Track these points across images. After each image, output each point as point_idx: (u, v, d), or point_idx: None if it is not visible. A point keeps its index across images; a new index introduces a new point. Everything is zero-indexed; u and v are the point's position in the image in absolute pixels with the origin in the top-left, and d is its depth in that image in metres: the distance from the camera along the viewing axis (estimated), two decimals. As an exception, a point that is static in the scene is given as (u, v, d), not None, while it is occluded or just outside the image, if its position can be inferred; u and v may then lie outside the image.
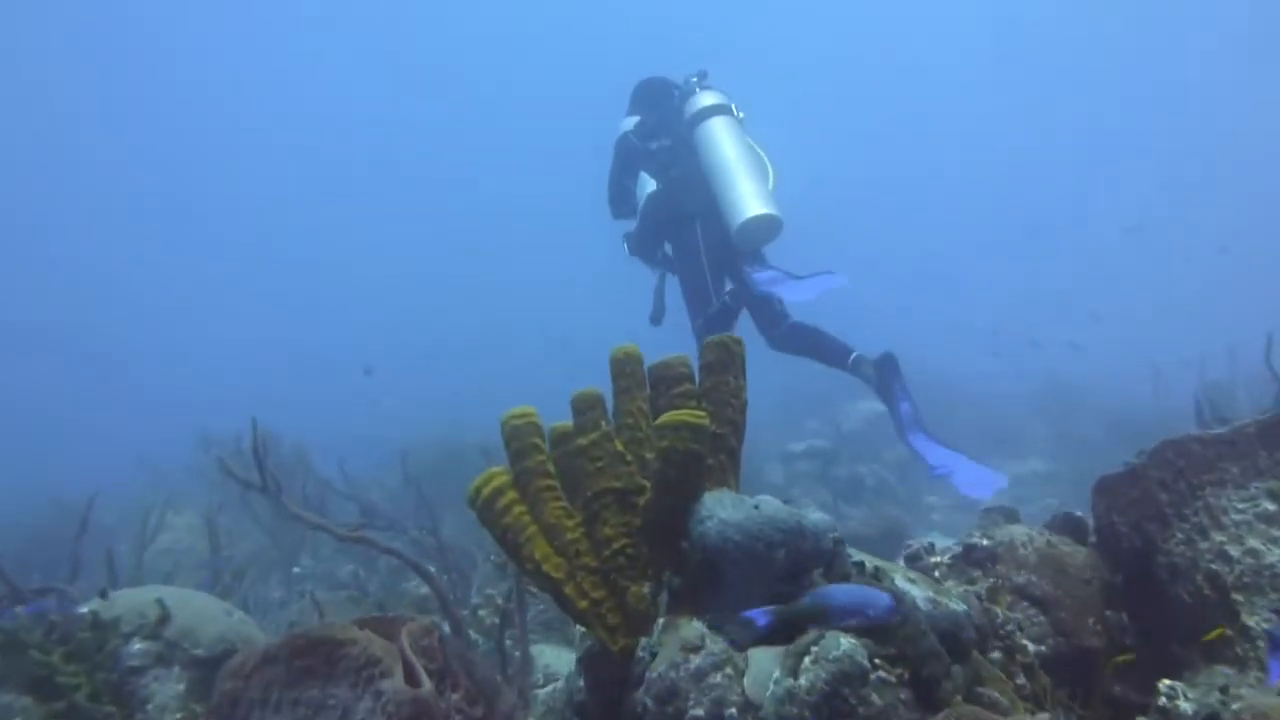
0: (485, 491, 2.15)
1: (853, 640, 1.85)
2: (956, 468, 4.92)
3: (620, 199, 6.04)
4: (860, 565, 2.00)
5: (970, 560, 2.41)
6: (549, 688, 3.15)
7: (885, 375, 5.05)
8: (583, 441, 2.13)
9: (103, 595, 2.81)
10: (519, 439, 2.18)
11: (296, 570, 6.82)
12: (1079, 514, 2.49)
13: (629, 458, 2.11)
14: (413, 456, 8.67)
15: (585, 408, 2.16)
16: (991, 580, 2.29)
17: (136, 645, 2.70)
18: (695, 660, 1.88)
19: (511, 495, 2.15)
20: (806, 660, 1.82)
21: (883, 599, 1.78)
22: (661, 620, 1.99)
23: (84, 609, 2.76)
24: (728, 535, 1.92)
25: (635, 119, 6.02)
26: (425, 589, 5.50)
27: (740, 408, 2.15)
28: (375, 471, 8.81)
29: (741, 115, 5.62)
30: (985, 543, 2.41)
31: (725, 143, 5.34)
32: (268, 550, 6.37)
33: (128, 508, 6.44)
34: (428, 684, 1.73)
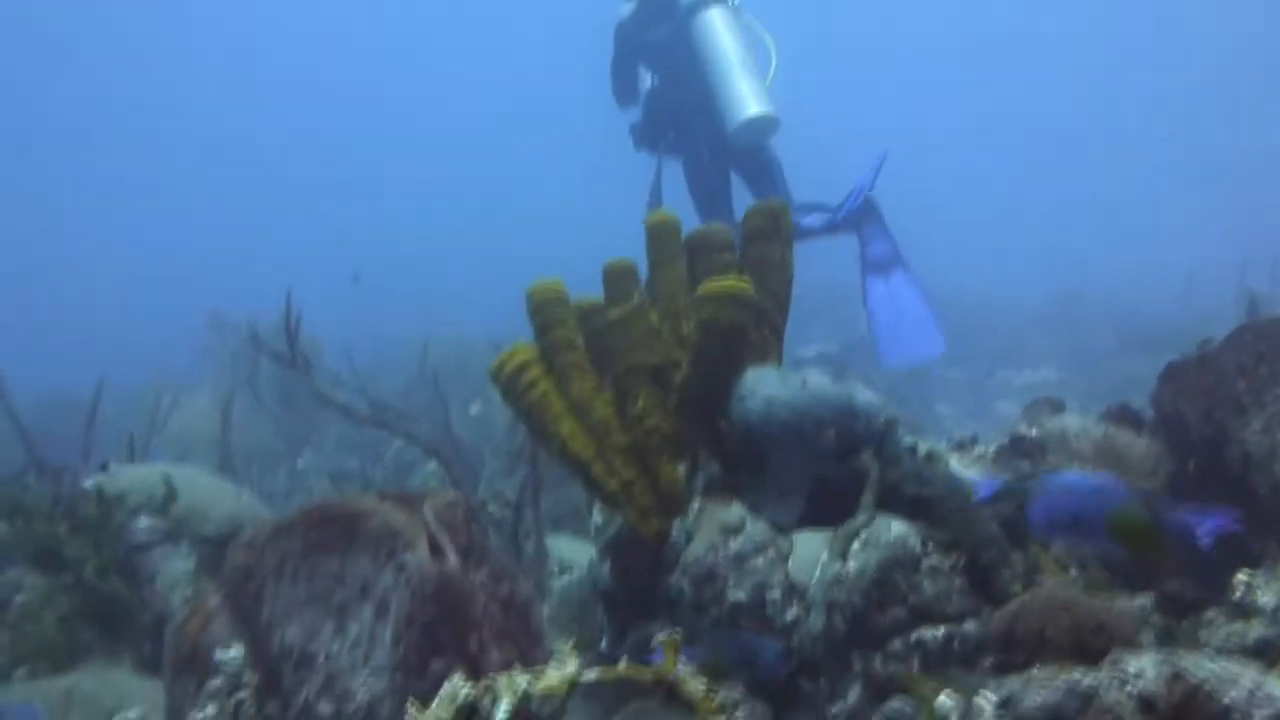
0: (509, 366, 2.02)
1: (904, 524, 1.75)
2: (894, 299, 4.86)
3: (623, 88, 5.85)
4: (912, 448, 1.88)
5: (1018, 451, 2.29)
6: (564, 579, 3.07)
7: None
8: (615, 314, 1.99)
9: (103, 467, 2.72)
10: (545, 311, 2.04)
11: (301, 464, 6.76)
12: (1135, 405, 2.37)
13: (664, 331, 1.98)
14: (417, 354, 8.57)
15: (617, 278, 2.01)
16: (1040, 471, 2.18)
17: (143, 522, 2.61)
18: (735, 543, 1.77)
19: (537, 370, 2.03)
20: (856, 544, 1.71)
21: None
22: (698, 502, 1.88)
23: (88, 483, 2.66)
24: (773, 414, 1.80)
25: (633, 5, 5.77)
26: (433, 484, 5.45)
27: (786, 281, 2.01)
28: (381, 369, 8.70)
29: (737, 1, 5.39)
30: (1034, 433, 2.30)
31: (720, 36, 5.16)
32: (273, 443, 6.30)
33: (132, 398, 6.34)
34: (453, 558, 1.63)
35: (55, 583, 2.47)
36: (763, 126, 5.15)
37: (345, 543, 1.69)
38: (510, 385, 2.02)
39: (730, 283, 1.82)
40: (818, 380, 1.83)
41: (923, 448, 1.90)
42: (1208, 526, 1.16)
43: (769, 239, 1.99)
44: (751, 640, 1.63)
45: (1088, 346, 10.18)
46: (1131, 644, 1.11)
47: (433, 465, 5.16)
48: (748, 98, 5.07)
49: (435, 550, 1.63)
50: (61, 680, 2.31)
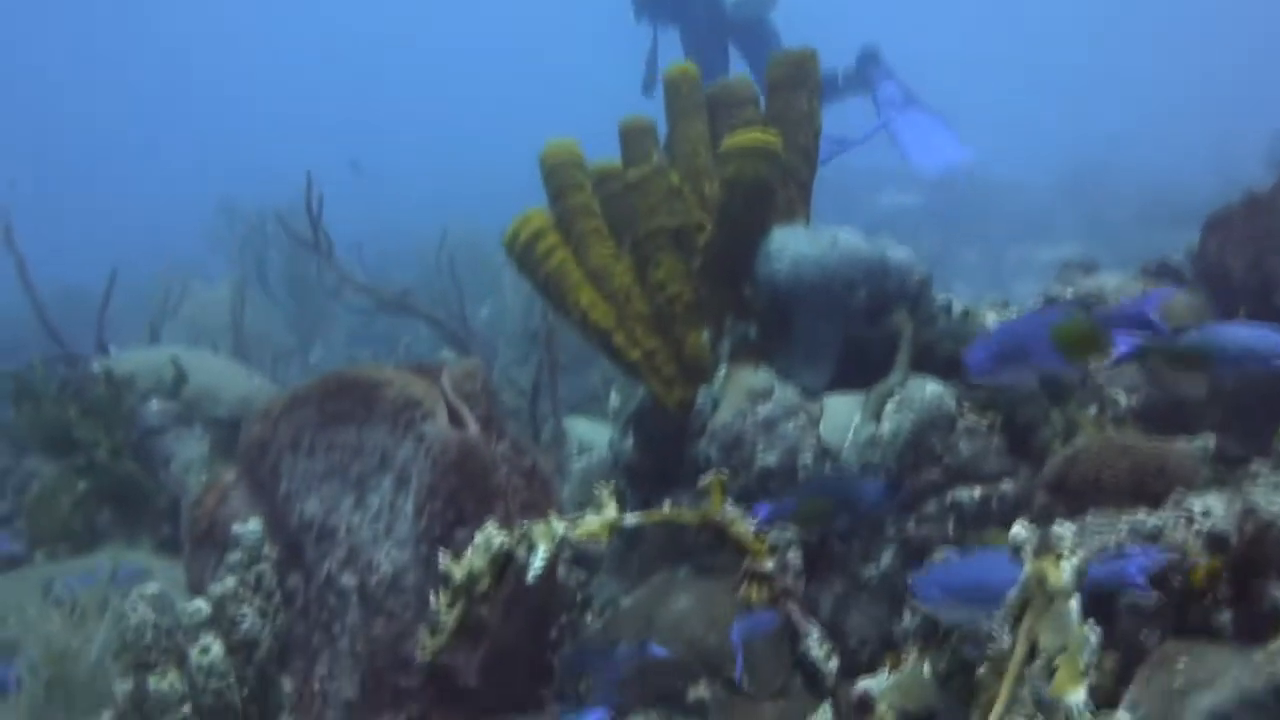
0: (524, 234, 1.94)
1: (939, 384, 1.68)
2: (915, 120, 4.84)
3: None
4: (947, 306, 1.81)
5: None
6: (583, 459, 3.04)
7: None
8: (633, 176, 1.89)
9: (103, 350, 2.67)
10: (559, 176, 1.94)
11: (312, 359, 6.73)
12: (1176, 259, 2.28)
13: (686, 192, 1.88)
14: (427, 248, 8.43)
15: (635, 138, 1.91)
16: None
17: (155, 405, 2.57)
18: (764, 408, 1.72)
19: (553, 238, 1.94)
20: (890, 405, 1.65)
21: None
22: (724, 369, 1.81)
23: (95, 366, 2.62)
24: (802, 274, 1.71)
25: None
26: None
27: (814, 134, 1.90)
28: (391, 263, 8.58)
29: None
30: (1068, 292, 2.21)
31: None
32: (284, 336, 6.24)
33: (142, 290, 6.25)
34: (474, 427, 1.58)
35: (68, 466, 2.45)
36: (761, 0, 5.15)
37: (362, 413, 1.64)
38: (525, 254, 1.94)
39: (756, 136, 1.71)
40: (848, 237, 1.74)
41: (958, 305, 1.83)
42: (1149, 303, 1.09)
43: (794, 89, 1.87)
44: (852, 480, 1.56)
45: (1110, 221, 9.96)
46: (1192, 487, 1.06)
47: (447, 354, 5.13)
48: None
49: (455, 420, 1.58)
50: (80, 562, 2.30)
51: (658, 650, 1.49)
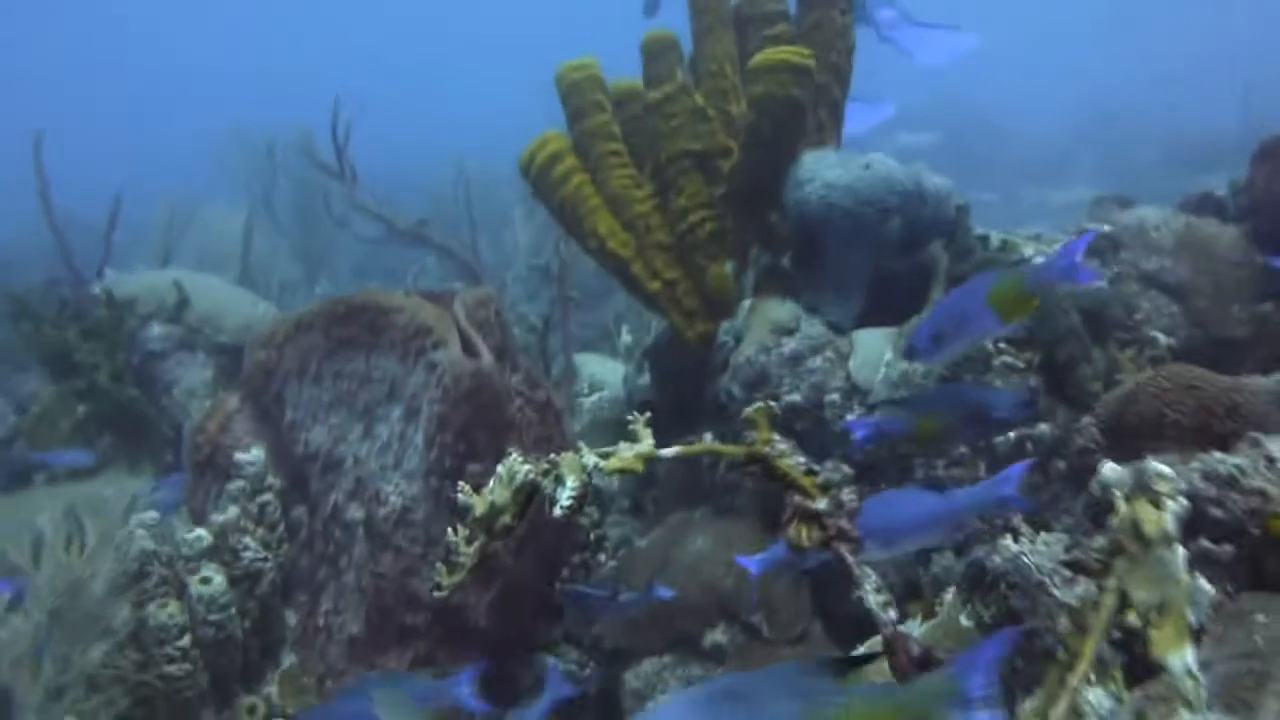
0: (540, 157, 1.84)
1: (975, 321, 1.60)
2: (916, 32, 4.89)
3: None
4: (984, 238, 1.72)
5: (1090, 248, 2.12)
6: (594, 396, 2.97)
7: None
8: (655, 95, 1.79)
9: (99, 274, 2.59)
10: (578, 95, 1.84)
11: (318, 291, 6.64)
12: (1220, 192, 2.17)
13: (711, 113, 1.78)
14: (434, 182, 8.28)
15: (657, 55, 1.80)
16: (1114, 269, 2.01)
17: (156, 329, 2.50)
18: (789, 343, 1.64)
19: (571, 161, 1.85)
20: (923, 342, 1.57)
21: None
22: (748, 302, 1.73)
23: (95, 288, 2.54)
24: (833, 200, 1.62)
25: None
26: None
27: (847, 50, 1.79)
28: (400, 196, 8.43)
29: None
30: (1106, 228, 2.11)
31: None
32: (289, 267, 6.15)
33: (146, 216, 6.14)
34: (488, 356, 1.50)
35: (68, 389, 2.38)
36: None
37: (371, 339, 1.56)
38: (541, 177, 1.85)
39: (786, 53, 1.61)
40: (883, 162, 1.65)
41: (995, 236, 1.74)
42: (1074, 249, 1.09)
43: (827, 3, 1.76)
44: (979, 389, 1.39)
45: (1131, 165, 9.76)
46: (1266, 429, 0.99)
47: (457, 286, 5.05)
48: None
49: (468, 348, 1.51)
50: (81, 487, 2.25)
51: (664, 592, 1.43)
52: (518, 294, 5.57)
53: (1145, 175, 9.47)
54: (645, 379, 2.31)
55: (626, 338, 3.57)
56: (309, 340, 1.60)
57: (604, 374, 3.15)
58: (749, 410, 1.21)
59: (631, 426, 1.20)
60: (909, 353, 1.20)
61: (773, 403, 1.24)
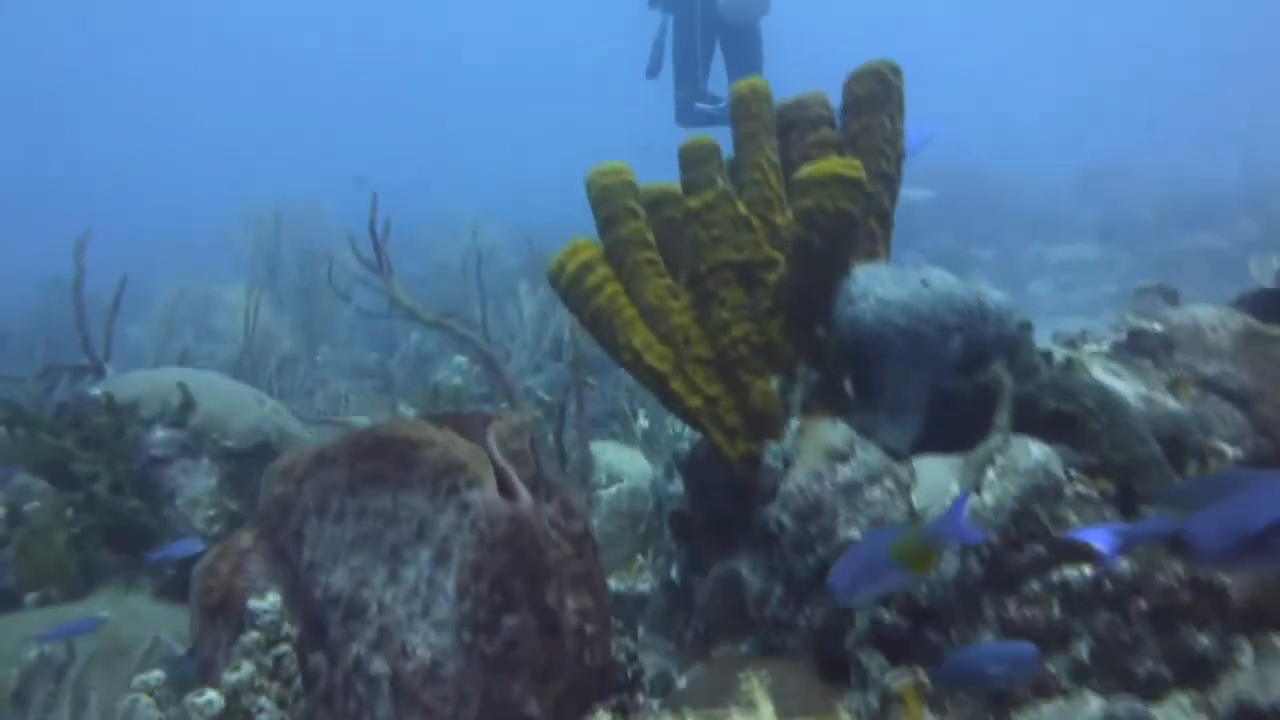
0: (571, 266, 1.75)
1: (1044, 446, 1.50)
2: None
3: None
4: (1048, 354, 1.62)
5: (1139, 349, 2.02)
6: (613, 489, 2.86)
7: None
8: (695, 203, 1.70)
9: (98, 371, 2.48)
10: (611, 202, 1.75)
11: (319, 359, 6.54)
12: (1270, 285, 2.09)
13: (755, 223, 1.69)
14: (435, 246, 8.23)
15: (697, 160, 1.72)
16: (1170, 373, 1.92)
17: (159, 433, 2.38)
18: (845, 470, 1.53)
19: (603, 271, 1.75)
20: (991, 472, 1.47)
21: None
22: (796, 422, 1.63)
23: (95, 390, 2.43)
24: (888, 317, 1.52)
25: None
26: (456, 379, 5.23)
27: (896, 157, 1.71)
28: (397, 262, 8.36)
29: None
30: (1158, 328, 2.02)
31: None
32: (289, 336, 6.06)
33: (146, 283, 6.06)
34: (525, 496, 1.39)
35: (66, 500, 2.26)
36: (752, 5, 5.42)
37: (399, 476, 1.45)
38: (573, 288, 1.75)
39: (837, 165, 1.52)
40: (941, 278, 1.55)
41: (1059, 353, 1.64)
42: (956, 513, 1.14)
43: (878, 106, 1.68)
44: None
45: (1129, 220, 9.78)
46: None
47: (458, 359, 4.95)
48: None
49: (504, 487, 1.40)
50: (76, 608, 2.12)
51: None
52: (523, 362, 5.49)
53: (1145, 232, 9.50)
54: (677, 486, 2.20)
55: (644, 422, 3.47)
56: (331, 475, 1.48)
57: (621, 463, 3.04)
58: (896, 685, 1.11)
59: (746, 689, 1.09)
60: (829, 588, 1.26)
61: (924, 681, 1.14)
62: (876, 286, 1.54)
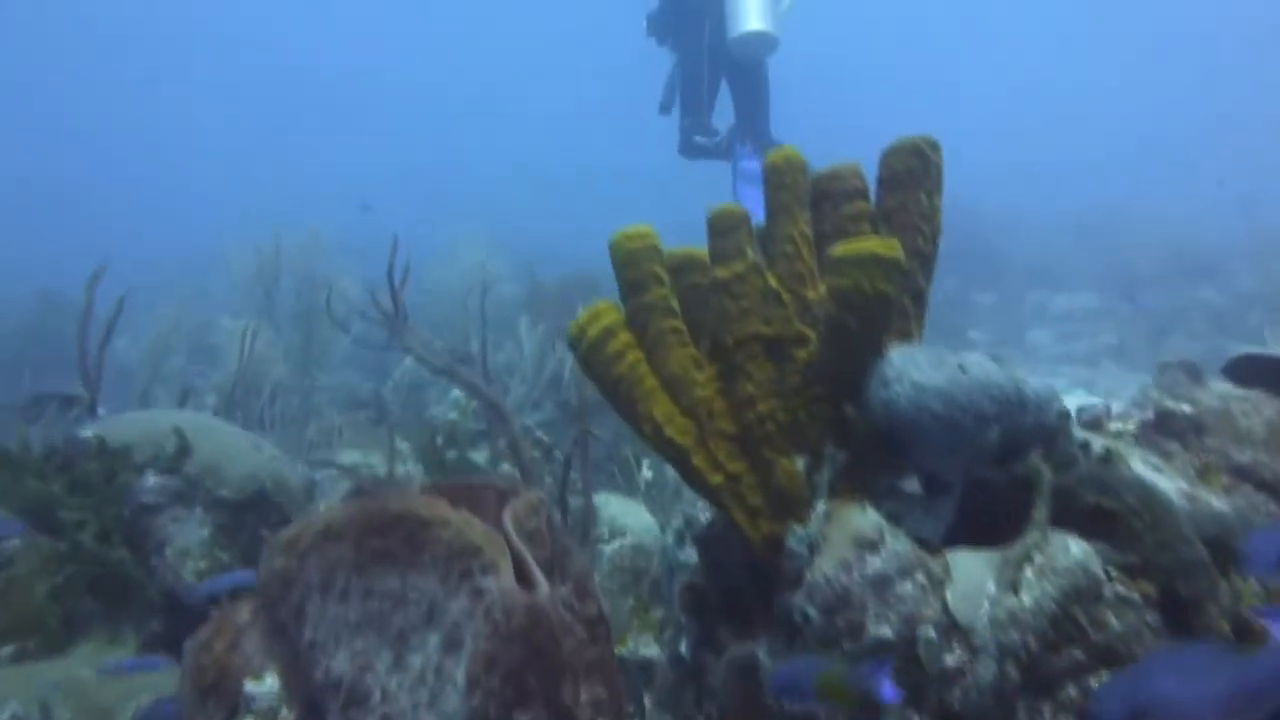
0: (592, 332, 1.69)
1: (1083, 544, 1.44)
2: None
3: None
4: (1085, 444, 1.56)
5: (1166, 430, 1.97)
6: (615, 544, 2.79)
7: None
8: (723, 274, 1.64)
9: (91, 410, 2.40)
10: (635, 267, 1.69)
11: (312, 384, 6.45)
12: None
13: (785, 297, 1.63)
14: (436, 280, 8.17)
15: (727, 229, 1.66)
16: (1202, 458, 1.86)
17: (151, 480, 2.30)
18: (874, 561, 1.46)
19: (625, 338, 1.69)
20: (1029, 572, 1.40)
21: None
22: (822, 505, 1.56)
23: (87, 432, 2.35)
24: (925, 404, 1.46)
25: None
26: (453, 414, 5.16)
27: (932, 235, 1.66)
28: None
29: None
30: (1187, 409, 1.97)
31: None
32: (282, 364, 5.98)
33: (135, 301, 5.99)
34: (544, 586, 1.32)
35: (49, 548, 2.17)
36: (760, 43, 5.43)
37: (409, 556, 1.38)
38: (592, 354, 1.69)
39: (875, 244, 1.46)
40: (979, 364, 1.49)
41: (1098, 444, 1.58)
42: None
43: (915, 183, 1.63)
44: None
45: (1127, 270, 9.78)
46: None
47: (455, 393, 4.89)
48: (753, 13, 5.37)
49: (521, 574, 1.33)
50: (55, 664, 2.04)
51: None
52: (521, 396, 5.42)
53: (1145, 282, 9.50)
54: (688, 554, 2.13)
55: (647, 473, 3.40)
56: (338, 551, 1.41)
57: (625, 517, 2.97)
58: None
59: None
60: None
61: None
62: (912, 370, 1.49)
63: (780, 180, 1.65)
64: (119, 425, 2.37)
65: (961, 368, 1.49)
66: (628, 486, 3.37)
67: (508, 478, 2.62)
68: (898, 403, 1.48)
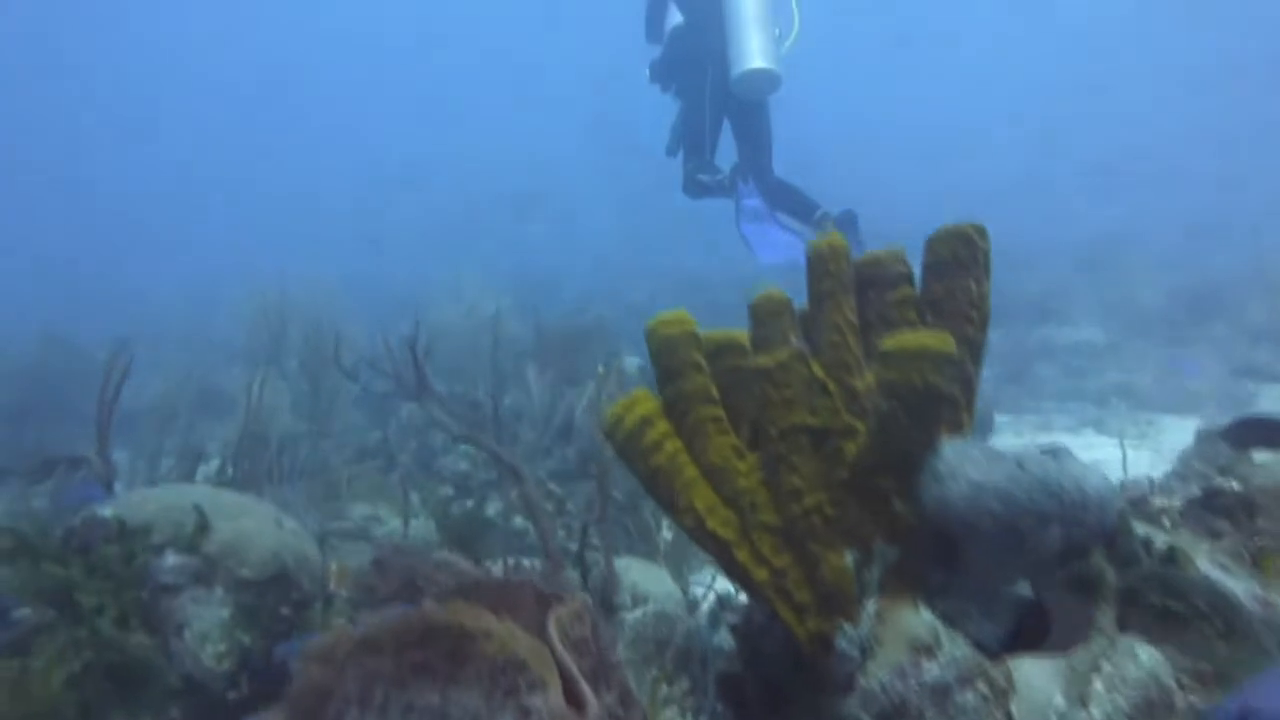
0: (629, 421, 1.64)
1: (1153, 652, 1.39)
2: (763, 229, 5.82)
3: (653, 26, 6.37)
4: (1147, 542, 1.51)
5: (1214, 508, 1.92)
6: (638, 612, 2.72)
7: (842, 228, 5.56)
8: (766, 362, 1.60)
9: (108, 486, 2.35)
10: (672, 354, 1.65)
11: (317, 431, 6.39)
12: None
13: (831, 387, 1.59)
14: (433, 308, 8.16)
15: (769, 315, 1.62)
16: (1256, 541, 1.81)
17: (170, 559, 2.24)
18: (931, 668, 1.41)
19: (663, 427, 1.65)
20: (1098, 683, 1.35)
21: None
22: (873, 604, 1.51)
23: (106, 511, 2.29)
24: (982, 503, 1.42)
25: None
26: (463, 465, 5.11)
27: (981, 322, 1.61)
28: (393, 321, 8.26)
29: None
30: (1236, 486, 1.92)
31: None
32: (289, 412, 5.93)
33: (150, 363, 5.96)
34: (593, 703, 1.27)
35: (69, 637, 2.11)
36: (763, 81, 5.56)
37: (451, 670, 1.33)
38: (630, 444, 1.65)
39: (926, 338, 1.42)
40: (1038, 463, 1.45)
41: (1160, 539, 1.54)
42: None
43: (963, 270, 1.59)
44: None
45: (1133, 305, 9.74)
46: None
47: (464, 465, 4.85)
48: (756, 52, 5.48)
49: (569, 691, 1.28)
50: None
51: None
52: (530, 442, 5.37)
53: (1151, 319, 9.47)
54: (723, 638, 2.08)
55: (666, 534, 3.35)
56: (376, 663, 1.36)
57: (647, 584, 2.90)
58: None
59: None
60: None
61: None
62: (968, 467, 1.44)
63: (824, 268, 1.61)
64: (138, 502, 2.31)
65: (1020, 464, 1.44)
66: (646, 547, 3.31)
67: (546, 577, 2.57)
68: (953, 501, 1.44)
